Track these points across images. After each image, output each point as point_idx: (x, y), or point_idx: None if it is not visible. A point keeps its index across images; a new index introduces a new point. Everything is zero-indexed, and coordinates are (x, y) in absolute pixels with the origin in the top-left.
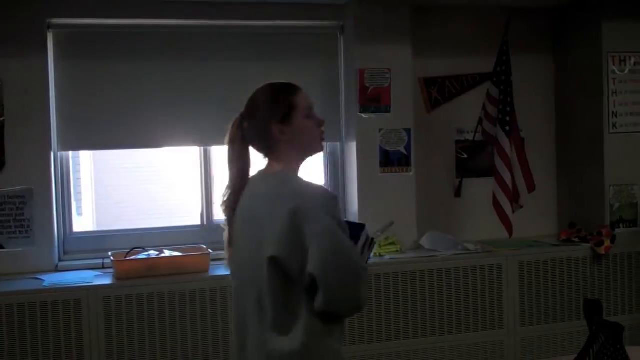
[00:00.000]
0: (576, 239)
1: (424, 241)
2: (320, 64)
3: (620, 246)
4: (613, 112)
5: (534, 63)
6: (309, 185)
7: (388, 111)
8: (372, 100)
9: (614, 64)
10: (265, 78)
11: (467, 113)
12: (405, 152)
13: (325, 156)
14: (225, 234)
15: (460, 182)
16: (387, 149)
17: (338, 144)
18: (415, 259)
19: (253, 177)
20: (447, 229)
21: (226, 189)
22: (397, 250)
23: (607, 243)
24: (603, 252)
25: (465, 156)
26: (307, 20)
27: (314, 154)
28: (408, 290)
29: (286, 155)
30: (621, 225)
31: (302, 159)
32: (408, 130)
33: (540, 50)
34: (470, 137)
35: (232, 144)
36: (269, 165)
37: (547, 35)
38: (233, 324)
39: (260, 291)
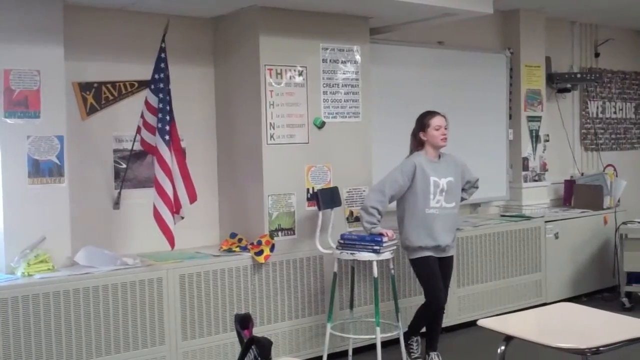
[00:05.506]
0: (237, 249)
1: (79, 257)
2: None
3: (279, 254)
4: (271, 124)
5: (194, 72)
6: None
7: (37, 117)
8: (19, 104)
9: (270, 77)
10: None
11: (125, 121)
12: (58, 162)
13: None
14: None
15: (119, 193)
16: (37, 158)
17: None
18: (69, 277)
19: None
20: (105, 242)
21: None
22: (48, 269)
23: (267, 252)
24: (263, 261)
25: (125, 166)
26: None
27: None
28: (61, 312)
29: None
30: (279, 233)
31: None
32: (60, 138)
33: (201, 59)
34: (129, 145)
35: None
36: None
37: (207, 44)
38: None
39: None
